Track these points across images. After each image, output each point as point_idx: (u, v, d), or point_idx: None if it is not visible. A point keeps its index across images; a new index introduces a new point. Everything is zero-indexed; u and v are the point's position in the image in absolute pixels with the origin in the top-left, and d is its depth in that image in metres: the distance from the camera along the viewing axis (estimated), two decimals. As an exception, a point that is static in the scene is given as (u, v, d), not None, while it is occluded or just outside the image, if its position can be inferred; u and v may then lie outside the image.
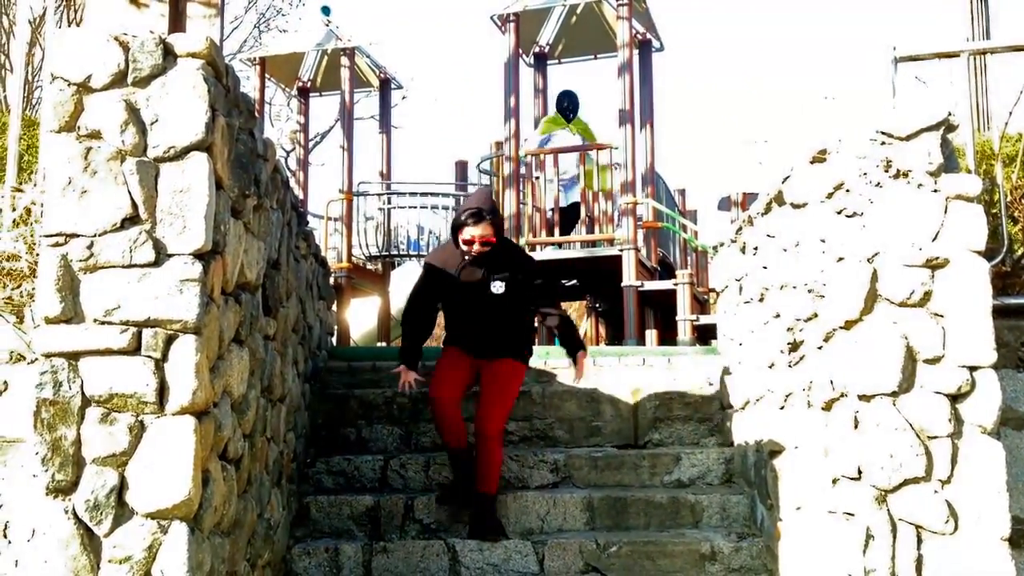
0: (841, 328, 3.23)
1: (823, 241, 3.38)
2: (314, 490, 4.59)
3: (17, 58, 4.82)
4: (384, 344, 10.34)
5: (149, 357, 2.63)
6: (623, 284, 7.94)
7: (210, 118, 2.74)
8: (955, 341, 3.06)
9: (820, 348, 3.40)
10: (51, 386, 2.61)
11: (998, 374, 3.07)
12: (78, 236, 2.66)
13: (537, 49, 9.77)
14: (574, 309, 17.08)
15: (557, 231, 8.54)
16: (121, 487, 2.61)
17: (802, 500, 3.55)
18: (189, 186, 2.71)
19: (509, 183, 8.52)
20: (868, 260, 3.16)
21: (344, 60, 9.84)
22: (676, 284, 7.77)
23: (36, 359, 2.73)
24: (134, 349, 2.63)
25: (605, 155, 8.49)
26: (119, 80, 2.73)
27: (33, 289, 3.47)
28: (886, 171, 3.18)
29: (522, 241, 8.31)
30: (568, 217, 8.82)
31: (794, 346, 3.66)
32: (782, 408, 3.83)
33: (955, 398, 3.05)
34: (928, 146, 3.17)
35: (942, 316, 3.09)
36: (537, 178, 8.67)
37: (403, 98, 15.58)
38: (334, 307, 6.50)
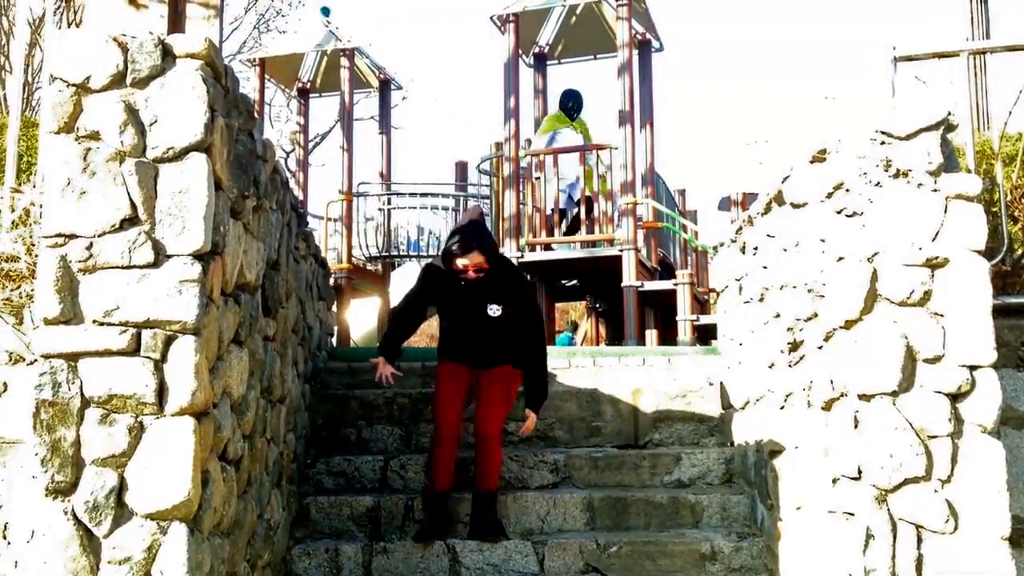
0: (841, 328, 3.23)
1: (823, 241, 3.38)
2: (314, 491, 4.59)
3: (16, 59, 4.82)
4: (383, 340, 10.31)
5: (148, 358, 2.63)
6: (623, 284, 7.94)
7: (209, 119, 2.74)
8: (955, 340, 3.06)
9: (820, 348, 3.40)
10: (50, 387, 2.60)
11: (998, 373, 3.07)
12: (77, 237, 2.66)
13: (537, 49, 9.77)
14: (574, 309, 17.08)
15: (557, 231, 8.55)
16: (120, 488, 2.60)
17: (802, 500, 3.55)
18: (188, 187, 2.71)
19: (509, 183, 8.51)
20: (868, 260, 3.16)
21: (344, 61, 9.85)
22: (676, 284, 7.77)
23: (35, 360, 2.72)
24: (133, 350, 2.63)
25: (601, 160, 8.49)
26: (118, 81, 2.73)
27: (32, 290, 3.47)
28: (886, 171, 3.18)
29: (522, 241, 8.31)
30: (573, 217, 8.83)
31: (794, 346, 3.66)
32: (782, 408, 3.83)
33: (955, 397, 3.05)
34: (928, 146, 3.17)
35: (942, 315, 3.09)
36: (538, 178, 8.67)
37: (403, 99, 15.60)
38: (334, 308, 6.50)
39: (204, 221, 2.70)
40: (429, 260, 5.50)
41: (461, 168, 11.48)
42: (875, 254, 3.15)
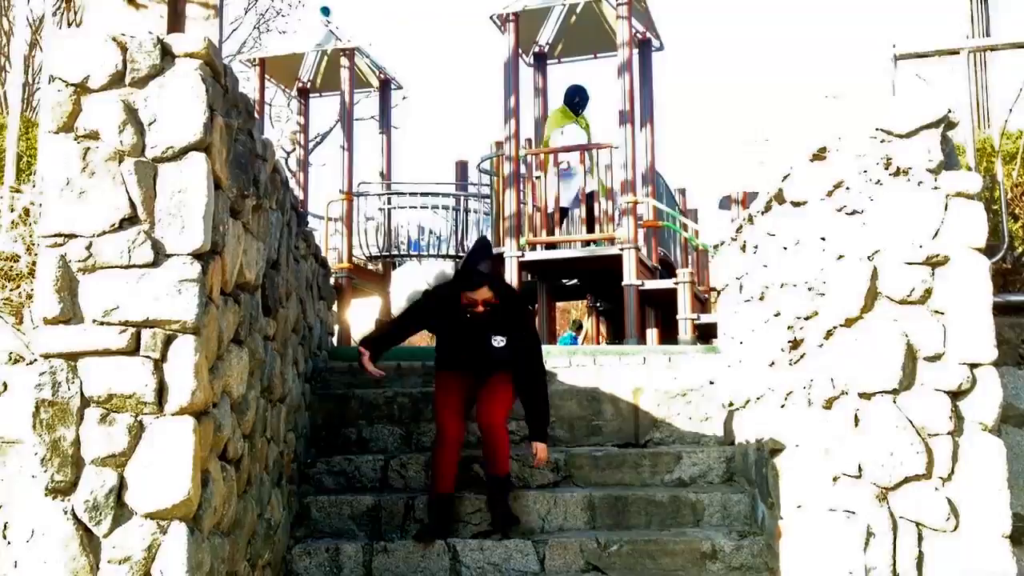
0: (841, 326, 3.22)
1: (823, 239, 3.37)
2: (315, 490, 4.59)
3: (15, 58, 4.82)
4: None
5: (148, 357, 2.63)
6: (624, 283, 7.93)
7: (208, 118, 2.74)
8: (956, 338, 3.06)
9: (821, 346, 3.39)
10: (50, 387, 2.60)
11: (999, 371, 3.06)
12: (76, 237, 2.66)
13: (537, 49, 9.77)
14: (576, 309, 17.08)
15: (558, 231, 8.54)
16: (120, 487, 2.60)
17: (803, 498, 3.55)
18: (187, 186, 2.70)
19: (509, 182, 8.51)
20: (868, 258, 3.16)
21: (344, 61, 9.84)
22: (677, 283, 7.77)
23: (35, 360, 2.72)
24: (133, 349, 2.63)
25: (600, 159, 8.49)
26: (117, 80, 2.73)
27: (32, 290, 3.47)
28: (886, 169, 3.18)
29: (522, 240, 8.31)
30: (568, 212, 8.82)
31: (795, 344, 3.66)
32: (783, 406, 3.82)
33: (956, 395, 3.05)
34: (928, 143, 3.16)
35: (943, 313, 3.08)
36: (538, 177, 8.66)
37: (403, 98, 15.58)
38: (334, 307, 6.50)
39: (203, 220, 2.70)
40: (430, 288, 5.52)
41: (461, 167, 11.48)
42: (875, 252, 3.15)
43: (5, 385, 3.45)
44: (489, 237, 9.98)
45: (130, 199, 2.67)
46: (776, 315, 3.92)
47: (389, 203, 10.54)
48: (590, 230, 8.46)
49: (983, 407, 3.03)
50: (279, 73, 10.75)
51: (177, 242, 2.68)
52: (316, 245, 5.39)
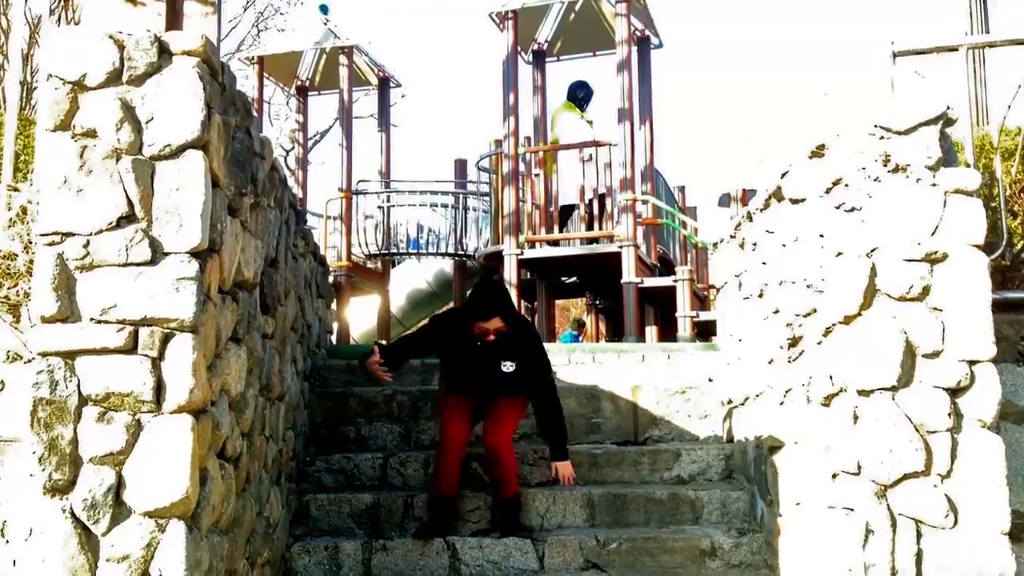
0: (840, 323, 3.22)
1: (822, 236, 3.37)
2: (314, 488, 4.59)
3: (13, 56, 4.82)
4: (384, 342, 10.33)
5: (146, 356, 2.62)
6: (623, 281, 7.93)
7: (206, 116, 2.73)
8: (954, 335, 3.05)
9: (819, 343, 3.39)
10: (47, 385, 2.60)
11: (998, 368, 3.06)
12: (74, 235, 2.65)
13: (535, 46, 9.76)
14: (574, 306, 17.08)
15: (557, 228, 8.54)
16: (119, 486, 2.60)
17: (802, 495, 3.55)
18: (185, 184, 2.70)
19: (508, 180, 8.51)
20: (867, 255, 3.15)
21: (343, 59, 9.84)
22: (676, 281, 7.77)
23: (33, 358, 2.72)
24: (131, 348, 2.63)
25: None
26: (114, 78, 2.72)
27: (30, 288, 3.47)
28: (884, 166, 3.17)
29: (521, 238, 8.30)
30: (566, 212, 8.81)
31: (793, 342, 3.66)
32: (782, 404, 3.82)
33: (954, 392, 3.04)
34: (927, 140, 3.16)
35: (941, 310, 3.08)
36: (537, 175, 8.66)
37: (402, 96, 15.57)
38: (333, 306, 6.49)
39: (201, 219, 2.70)
40: (439, 313, 5.52)
41: (460, 165, 11.48)
42: (874, 249, 3.15)
43: (3, 383, 3.44)
44: (488, 235, 9.99)
45: (128, 197, 2.67)
46: (775, 312, 3.92)
47: (388, 201, 10.54)
48: (589, 228, 8.45)
49: (982, 404, 3.03)
50: (278, 71, 10.74)
51: (175, 240, 2.68)
52: (315, 243, 5.38)
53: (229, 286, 3.05)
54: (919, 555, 3.00)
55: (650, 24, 9.25)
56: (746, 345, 4.56)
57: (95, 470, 2.59)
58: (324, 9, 10.13)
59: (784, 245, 3.79)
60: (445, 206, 10.58)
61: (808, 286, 3.46)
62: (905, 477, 3.02)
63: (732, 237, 4.92)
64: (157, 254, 2.67)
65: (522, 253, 8.29)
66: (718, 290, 5.64)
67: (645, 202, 8.56)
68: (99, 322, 2.63)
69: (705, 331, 7.72)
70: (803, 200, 3.56)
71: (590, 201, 8.52)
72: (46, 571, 2.54)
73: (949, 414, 3.02)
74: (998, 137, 4.50)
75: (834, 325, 3.26)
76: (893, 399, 3.05)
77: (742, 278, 4.70)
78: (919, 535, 3.01)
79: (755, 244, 4.34)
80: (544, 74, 9.84)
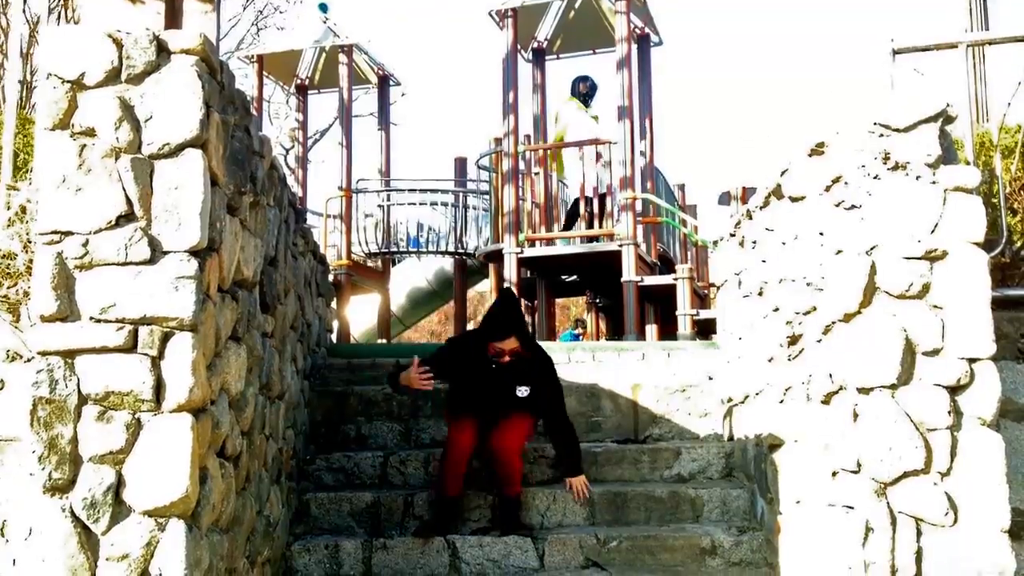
0: (840, 321, 3.22)
1: (822, 234, 3.37)
2: (314, 487, 4.59)
3: (12, 55, 4.81)
4: (384, 341, 10.34)
5: (145, 355, 2.62)
6: (623, 279, 7.93)
7: (204, 115, 2.73)
8: (954, 333, 3.05)
9: (819, 341, 3.39)
10: (47, 384, 2.60)
11: (997, 365, 3.06)
12: (73, 234, 2.65)
13: (535, 44, 9.75)
14: (574, 305, 17.07)
15: (557, 227, 8.54)
16: (118, 485, 2.60)
17: (802, 493, 3.54)
18: (184, 183, 2.70)
19: (508, 179, 8.51)
20: (867, 253, 3.15)
21: (342, 57, 9.84)
22: (676, 279, 7.77)
23: (32, 357, 2.72)
24: (130, 347, 2.62)
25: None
26: (113, 77, 2.72)
27: (29, 287, 3.47)
28: (884, 163, 3.17)
29: (521, 236, 8.30)
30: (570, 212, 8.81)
31: (793, 340, 3.65)
32: (782, 402, 3.82)
33: (954, 390, 3.04)
34: (926, 138, 3.16)
35: (941, 308, 3.08)
36: (537, 173, 8.65)
37: (402, 95, 15.56)
38: (333, 304, 6.49)
39: (200, 217, 2.69)
40: (455, 336, 5.51)
41: (460, 164, 11.48)
42: (874, 247, 3.14)
43: (3, 383, 3.44)
44: (488, 233, 9.98)
45: (127, 196, 2.67)
46: (775, 310, 3.92)
47: (388, 200, 10.53)
48: (589, 226, 8.45)
49: (982, 402, 3.03)
50: (277, 70, 10.74)
51: (174, 239, 2.68)
52: (315, 242, 5.38)
53: (228, 285, 3.05)
54: (919, 553, 3.00)
55: (650, 22, 9.24)
56: (746, 343, 4.56)
57: (95, 469, 2.59)
58: (324, 7, 10.12)
59: (784, 243, 3.79)
60: (445, 204, 10.57)
61: (808, 284, 3.46)
62: (905, 475, 3.02)
63: (732, 235, 4.92)
64: (156, 253, 2.67)
65: (522, 252, 8.29)
66: (718, 288, 5.64)
67: (646, 201, 8.56)
68: (98, 321, 2.63)
69: (705, 329, 7.72)
70: (803, 198, 3.55)
71: (589, 200, 8.53)
72: (46, 570, 2.54)
73: (949, 412, 3.02)
74: (998, 134, 4.49)
75: (834, 323, 3.26)
76: (893, 397, 3.05)
77: (742, 276, 4.69)
78: (919, 533, 3.01)
79: (755, 242, 4.33)
80: (544, 72, 9.84)
